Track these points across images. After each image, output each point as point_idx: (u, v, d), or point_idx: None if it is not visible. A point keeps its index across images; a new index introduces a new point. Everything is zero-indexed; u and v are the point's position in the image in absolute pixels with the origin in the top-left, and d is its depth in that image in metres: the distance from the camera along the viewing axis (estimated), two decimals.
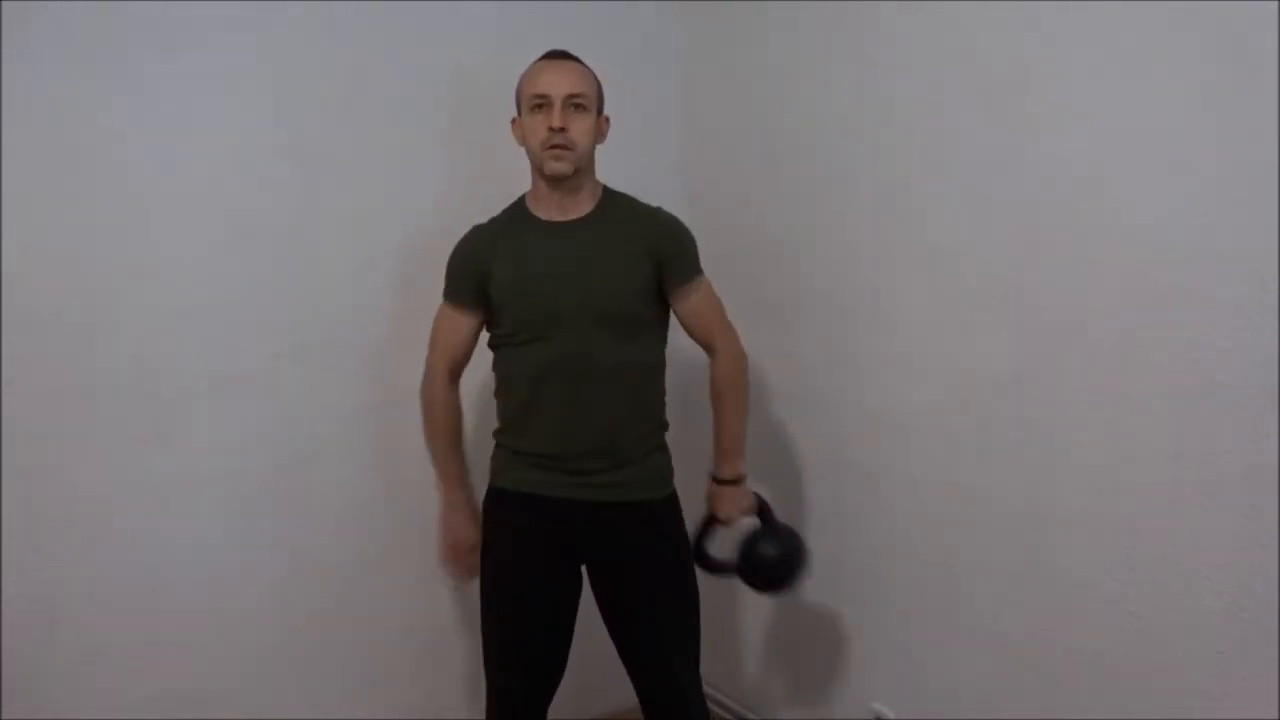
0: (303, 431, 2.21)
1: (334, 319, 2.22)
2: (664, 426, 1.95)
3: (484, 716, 1.95)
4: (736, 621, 2.54)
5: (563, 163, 1.78)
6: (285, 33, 2.12)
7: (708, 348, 1.93)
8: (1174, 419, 1.52)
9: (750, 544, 1.96)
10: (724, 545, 1.99)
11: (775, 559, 1.96)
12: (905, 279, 1.97)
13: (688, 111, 2.58)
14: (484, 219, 1.95)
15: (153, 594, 2.08)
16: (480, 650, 1.96)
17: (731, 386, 1.93)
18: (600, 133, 1.86)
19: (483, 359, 1.97)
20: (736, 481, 1.94)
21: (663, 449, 1.94)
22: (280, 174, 2.14)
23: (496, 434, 1.95)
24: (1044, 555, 1.75)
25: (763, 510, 1.99)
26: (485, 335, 1.96)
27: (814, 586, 2.27)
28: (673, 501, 1.94)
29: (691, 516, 1.97)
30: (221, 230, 2.10)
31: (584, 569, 1.94)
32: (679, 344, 1.99)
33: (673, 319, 1.93)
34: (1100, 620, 1.66)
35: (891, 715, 2.11)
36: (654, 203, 1.94)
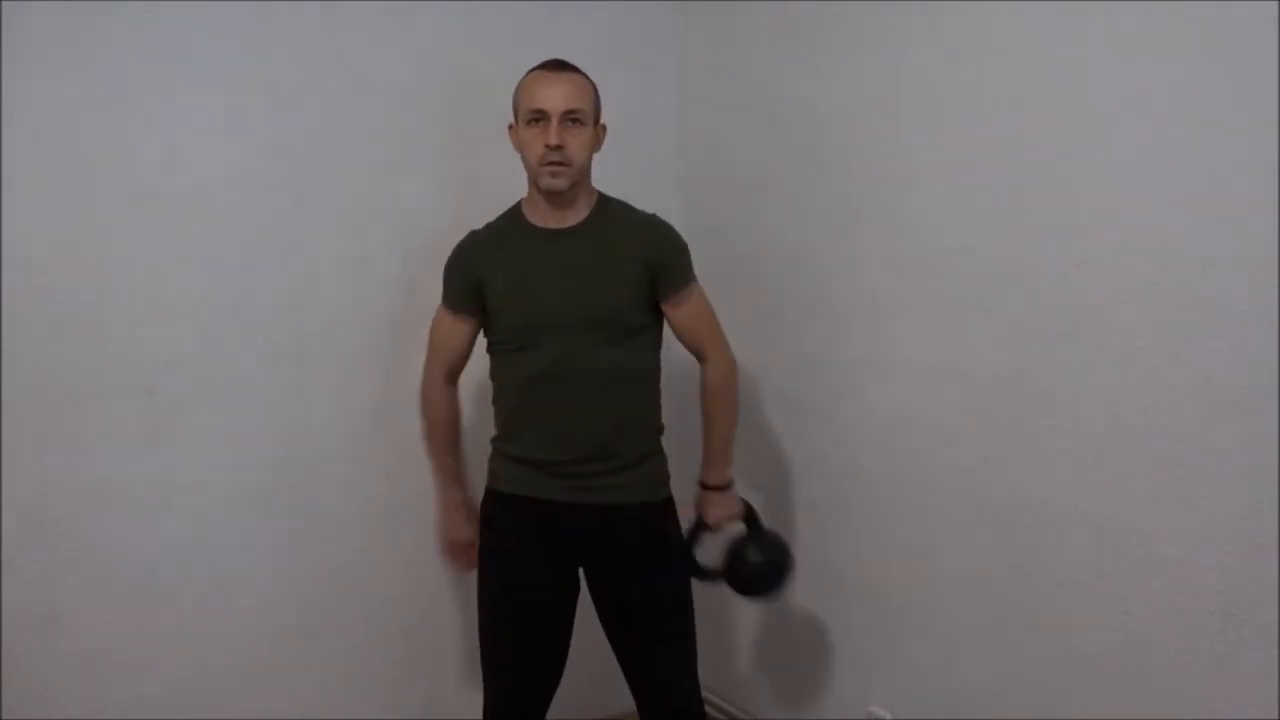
0: (301, 432, 2.21)
1: (332, 320, 2.22)
2: (660, 430, 1.95)
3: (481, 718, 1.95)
4: (734, 625, 2.54)
5: (560, 179, 1.79)
6: (284, 33, 2.13)
7: (698, 355, 1.94)
8: (1170, 420, 1.53)
9: (736, 550, 1.97)
10: (711, 551, 1.99)
11: (761, 566, 1.97)
12: (903, 282, 1.98)
13: (685, 115, 2.58)
14: (482, 220, 1.95)
15: (151, 594, 2.09)
16: (477, 652, 1.96)
17: (721, 394, 1.94)
18: (597, 142, 1.87)
19: (480, 361, 1.97)
20: (724, 487, 1.96)
21: (659, 453, 1.94)
22: (279, 175, 2.15)
23: (494, 440, 1.95)
24: (1040, 556, 1.75)
25: (750, 517, 2.00)
26: (484, 339, 1.96)
27: (812, 589, 2.27)
28: (669, 505, 1.94)
29: (686, 521, 1.98)
30: (220, 231, 2.10)
31: (581, 573, 1.94)
32: (676, 350, 1.98)
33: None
34: (1096, 621, 1.66)
35: (889, 718, 2.11)
36: (651, 208, 1.94)
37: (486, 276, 1.87)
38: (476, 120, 2.25)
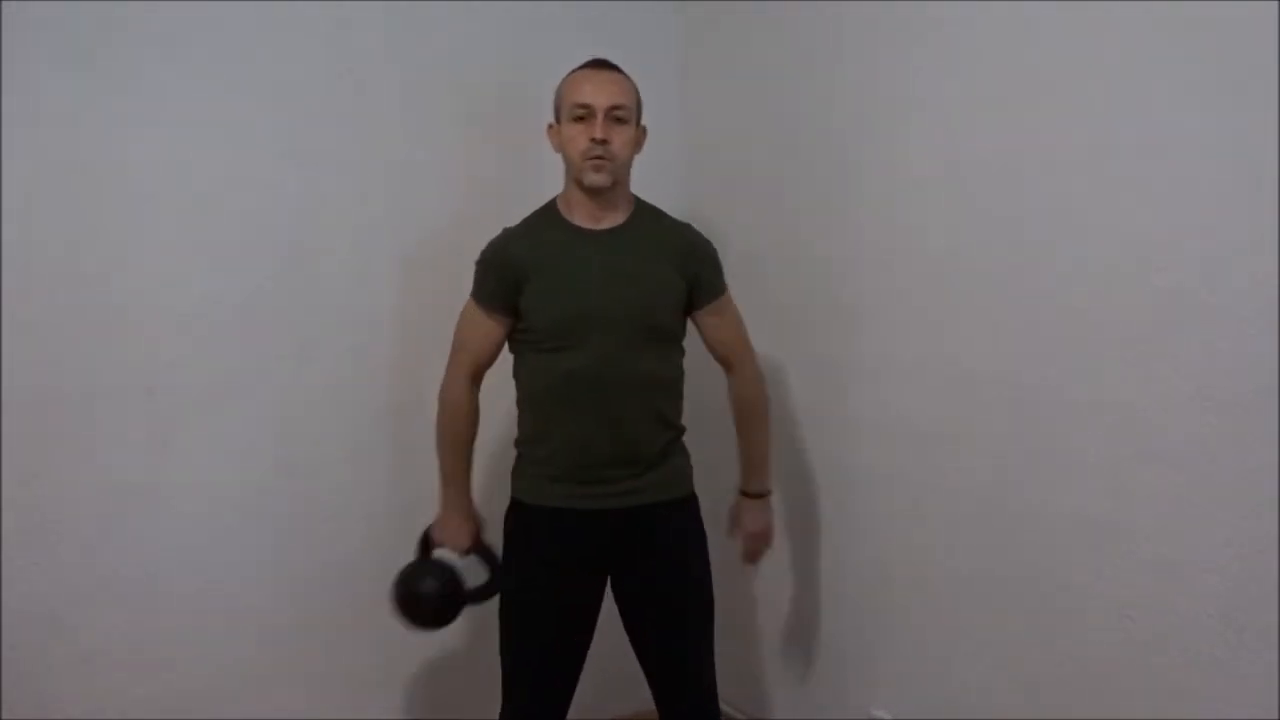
0: (301, 433, 2.21)
1: (333, 321, 2.22)
2: (681, 430, 1.95)
3: None
4: (737, 626, 2.53)
5: (602, 174, 1.79)
6: (284, 34, 2.13)
7: (727, 364, 1.96)
8: (1171, 423, 1.52)
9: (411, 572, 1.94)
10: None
11: (406, 591, 1.93)
12: (907, 283, 1.98)
13: (686, 116, 2.58)
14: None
15: (151, 594, 2.09)
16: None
17: (760, 403, 1.99)
18: (638, 143, 1.86)
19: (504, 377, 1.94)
20: (764, 495, 2.01)
21: (681, 450, 1.94)
22: (283, 177, 2.15)
23: (518, 443, 1.93)
24: (1040, 558, 1.75)
25: (480, 547, 1.96)
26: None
27: (813, 590, 2.27)
28: (692, 501, 1.94)
29: (709, 520, 1.96)
30: (221, 232, 2.11)
31: (608, 577, 1.92)
32: (693, 353, 1.97)
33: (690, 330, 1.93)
34: (1097, 624, 1.66)
35: (890, 719, 2.10)
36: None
37: (528, 274, 1.82)
38: (478, 120, 2.26)
